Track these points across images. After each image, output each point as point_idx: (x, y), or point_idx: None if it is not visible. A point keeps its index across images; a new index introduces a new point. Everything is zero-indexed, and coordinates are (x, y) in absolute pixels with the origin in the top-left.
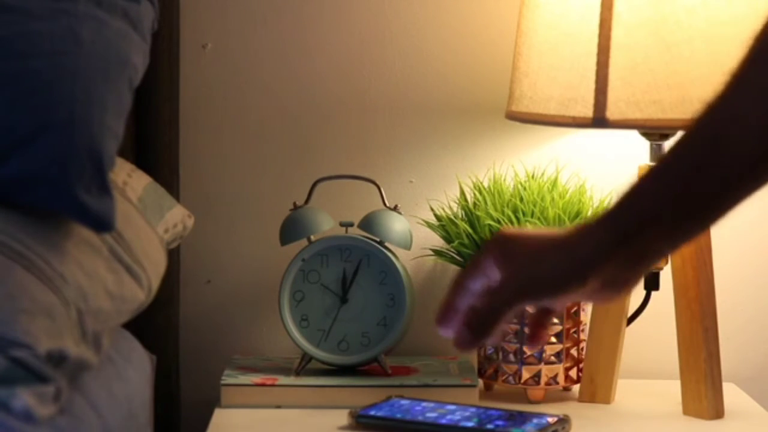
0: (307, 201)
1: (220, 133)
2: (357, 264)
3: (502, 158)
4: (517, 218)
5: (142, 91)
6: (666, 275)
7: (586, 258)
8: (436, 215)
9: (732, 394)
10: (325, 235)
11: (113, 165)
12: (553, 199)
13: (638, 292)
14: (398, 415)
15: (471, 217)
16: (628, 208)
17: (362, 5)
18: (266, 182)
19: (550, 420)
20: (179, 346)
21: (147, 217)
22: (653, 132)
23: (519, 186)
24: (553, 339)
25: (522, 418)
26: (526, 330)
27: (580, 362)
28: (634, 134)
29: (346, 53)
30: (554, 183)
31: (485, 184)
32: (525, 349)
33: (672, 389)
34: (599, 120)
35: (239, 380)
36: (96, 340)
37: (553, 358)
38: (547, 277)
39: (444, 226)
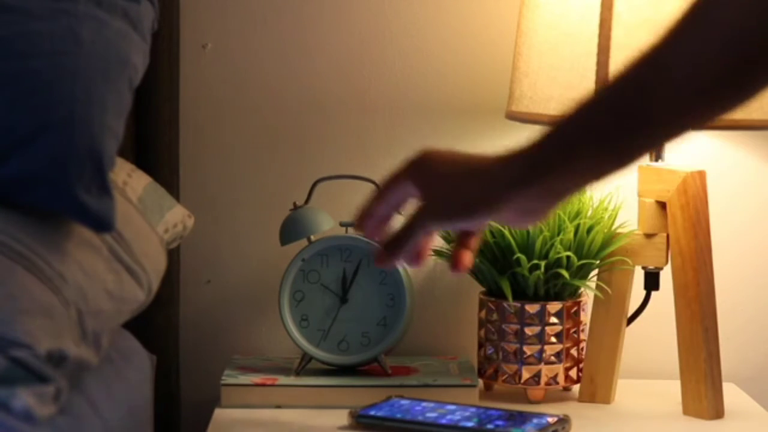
0: (307, 201)
1: (220, 133)
2: (357, 264)
3: None
4: None
5: (142, 91)
6: (666, 275)
7: (502, 187)
8: None
9: (732, 394)
10: (325, 235)
11: (113, 165)
12: None
13: (638, 292)
14: (398, 415)
15: None
16: (548, 141)
17: (362, 5)
18: (266, 182)
19: (550, 420)
20: (179, 346)
21: (147, 217)
22: None
23: None
24: (553, 339)
25: (522, 418)
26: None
27: (580, 362)
28: None
29: (346, 53)
30: None
31: None
32: (525, 349)
33: (672, 389)
34: None
35: (239, 380)
36: (96, 340)
37: (553, 358)
38: (462, 202)
39: None
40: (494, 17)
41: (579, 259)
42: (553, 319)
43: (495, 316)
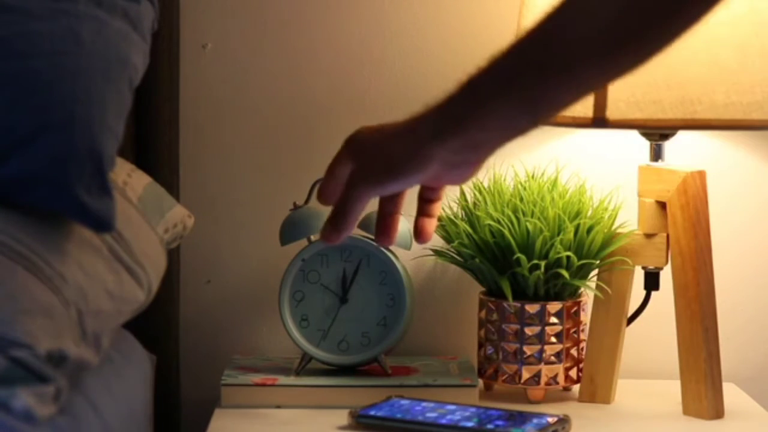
0: (307, 201)
1: (220, 133)
2: (357, 264)
3: (502, 158)
4: (517, 218)
5: (142, 91)
6: (666, 275)
7: (422, 142)
8: None
9: (732, 394)
10: None
11: (113, 165)
12: (553, 199)
13: (638, 292)
14: (398, 415)
15: (471, 217)
16: (459, 93)
17: (362, 5)
18: (266, 182)
19: (550, 420)
20: (179, 346)
21: (147, 217)
22: (653, 132)
23: (519, 186)
24: (553, 339)
25: (522, 418)
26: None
27: (580, 362)
28: (634, 134)
29: (346, 53)
30: (554, 183)
31: (485, 184)
32: (525, 349)
33: (672, 389)
34: (599, 120)
35: (239, 380)
36: (96, 340)
37: (553, 358)
38: (387, 163)
39: (444, 226)
40: (494, 17)
41: (579, 259)
42: (553, 319)
43: (495, 316)
